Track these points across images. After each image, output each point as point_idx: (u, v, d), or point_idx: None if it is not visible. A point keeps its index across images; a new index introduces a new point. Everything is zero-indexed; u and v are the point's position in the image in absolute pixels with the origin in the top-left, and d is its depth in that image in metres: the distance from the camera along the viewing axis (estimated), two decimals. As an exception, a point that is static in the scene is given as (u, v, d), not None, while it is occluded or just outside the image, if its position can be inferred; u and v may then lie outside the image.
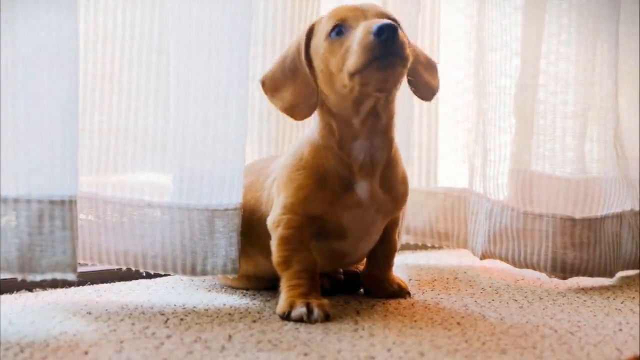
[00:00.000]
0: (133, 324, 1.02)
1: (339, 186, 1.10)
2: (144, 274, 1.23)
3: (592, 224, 1.39)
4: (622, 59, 1.50)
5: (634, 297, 1.27)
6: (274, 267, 1.11)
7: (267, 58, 1.34)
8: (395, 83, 1.07)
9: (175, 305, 1.13)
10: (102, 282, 1.29)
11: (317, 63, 1.09)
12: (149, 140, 1.18)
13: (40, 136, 0.99)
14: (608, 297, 1.27)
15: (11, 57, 0.98)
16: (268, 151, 1.38)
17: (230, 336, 0.96)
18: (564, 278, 1.38)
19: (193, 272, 1.16)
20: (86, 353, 0.87)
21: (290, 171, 1.12)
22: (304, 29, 1.13)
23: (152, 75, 1.19)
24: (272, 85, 1.13)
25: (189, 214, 1.15)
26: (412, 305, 1.17)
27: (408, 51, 1.03)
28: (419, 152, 1.61)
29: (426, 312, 1.12)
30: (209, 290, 1.25)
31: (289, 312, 1.05)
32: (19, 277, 0.99)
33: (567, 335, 1.01)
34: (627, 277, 1.47)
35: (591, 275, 1.39)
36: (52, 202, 0.99)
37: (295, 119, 1.13)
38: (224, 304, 1.15)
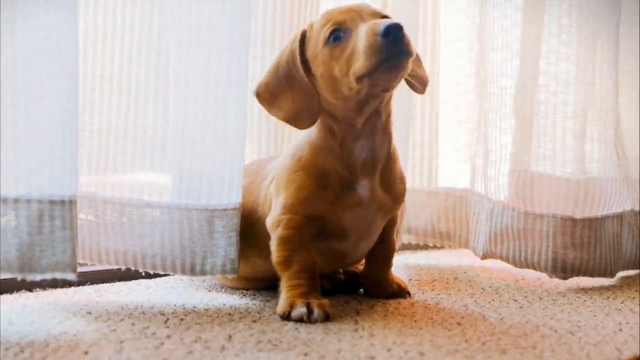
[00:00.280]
0: (133, 324, 1.01)
1: (340, 186, 1.10)
2: (144, 274, 1.23)
3: (593, 224, 1.39)
4: (622, 59, 1.50)
5: (634, 297, 1.27)
6: (272, 268, 1.11)
7: (266, 58, 1.34)
8: (400, 80, 1.07)
9: (175, 305, 1.13)
10: (102, 282, 1.29)
11: (317, 69, 1.08)
12: (148, 140, 1.18)
13: (40, 136, 0.99)
14: (608, 297, 1.27)
15: (11, 57, 0.98)
16: (267, 151, 1.38)
17: (230, 336, 0.96)
18: (565, 278, 1.38)
19: (192, 272, 1.16)
20: (86, 353, 0.87)
21: (290, 172, 1.12)
22: (295, 35, 1.11)
23: (152, 75, 1.19)
24: (268, 96, 1.12)
25: (188, 213, 1.15)
26: (412, 305, 1.17)
27: (413, 47, 1.03)
28: (421, 152, 1.61)
29: (426, 312, 1.12)
30: (209, 290, 1.25)
31: (289, 312, 1.05)
32: (19, 277, 0.99)
33: (567, 335, 1.01)
34: (627, 277, 1.46)
35: (591, 275, 1.39)
36: (52, 202, 0.99)
37: (299, 127, 1.11)
38: (224, 304, 1.15)
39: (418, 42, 1.50)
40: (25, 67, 0.98)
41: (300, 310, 1.04)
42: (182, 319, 1.05)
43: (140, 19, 1.18)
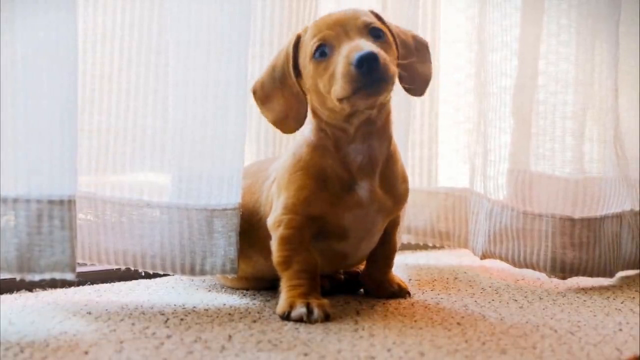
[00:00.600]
0: (133, 324, 1.01)
1: (339, 187, 1.10)
2: (144, 274, 1.23)
3: (592, 224, 1.39)
4: (622, 59, 1.50)
5: (634, 297, 1.27)
6: (273, 268, 1.11)
7: (264, 58, 1.34)
8: (385, 98, 1.07)
9: (175, 305, 1.13)
10: (102, 282, 1.29)
11: (306, 80, 1.08)
12: (147, 140, 1.18)
13: (39, 136, 0.99)
14: (608, 297, 1.27)
15: (10, 57, 0.98)
16: (266, 151, 1.38)
17: (230, 336, 0.96)
18: (563, 278, 1.38)
19: (192, 272, 1.16)
20: (86, 353, 0.87)
21: (291, 172, 1.12)
22: (291, 39, 1.11)
23: (151, 75, 1.19)
24: (262, 95, 1.13)
25: (188, 213, 1.15)
26: (412, 305, 1.17)
27: (392, 69, 1.02)
28: (420, 152, 1.61)
29: (426, 312, 1.12)
30: (209, 290, 1.25)
31: (289, 312, 1.05)
32: (18, 277, 0.99)
33: (567, 335, 1.00)
34: (627, 277, 1.46)
35: (590, 275, 1.39)
36: (51, 202, 0.99)
37: (283, 132, 1.13)
38: (224, 304, 1.15)
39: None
40: (24, 67, 0.98)
41: (300, 310, 1.04)
42: (182, 319, 1.05)
43: (140, 19, 1.18)
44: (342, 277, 1.28)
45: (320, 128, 1.11)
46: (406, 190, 1.18)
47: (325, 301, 1.07)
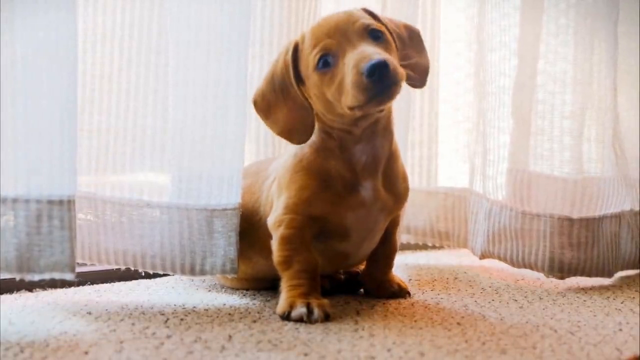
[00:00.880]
0: (133, 324, 1.01)
1: (342, 187, 1.10)
2: (144, 274, 1.23)
3: (590, 224, 1.39)
4: (621, 59, 1.50)
5: (634, 297, 1.27)
6: (273, 269, 1.11)
7: (264, 58, 1.35)
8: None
9: (175, 305, 1.13)
10: (102, 282, 1.29)
11: (311, 89, 1.07)
12: (147, 140, 1.18)
13: (39, 136, 0.99)
14: (608, 297, 1.27)
15: (10, 57, 0.98)
16: (266, 151, 1.38)
17: (230, 336, 0.96)
18: (562, 278, 1.38)
19: (192, 272, 1.16)
20: (86, 353, 0.87)
21: (292, 172, 1.11)
22: (287, 47, 1.10)
23: (151, 75, 1.19)
24: (264, 105, 1.11)
25: (188, 213, 1.15)
26: (412, 305, 1.17)
27: (401, 71, 1.01)
28: (420, 152, 1.61)
29: (426, 312, 1.12)
30: (209, 290, 1.25)
31: (289, 312, 1.05)
32: (18, 277, 0.99)
33: (567, 335, 1.01)
34: (627, 277, 1.46)
35: (589, 275, 1.39)
36: (50, 202, 0.99)
37: (293, 142, 1.11)
38: (224, 304, 1.15)
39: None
40: (24, 67, 0.98)
41: (300, 310, 1.04)
42: (182, 319, 1.05)
43: (140, 19, 1.18)
44: (342, 277, 1.28)
45: (324, 130, 1.11)
46: (406, 189, 1.18)
47: (325, 301, 1.07)
